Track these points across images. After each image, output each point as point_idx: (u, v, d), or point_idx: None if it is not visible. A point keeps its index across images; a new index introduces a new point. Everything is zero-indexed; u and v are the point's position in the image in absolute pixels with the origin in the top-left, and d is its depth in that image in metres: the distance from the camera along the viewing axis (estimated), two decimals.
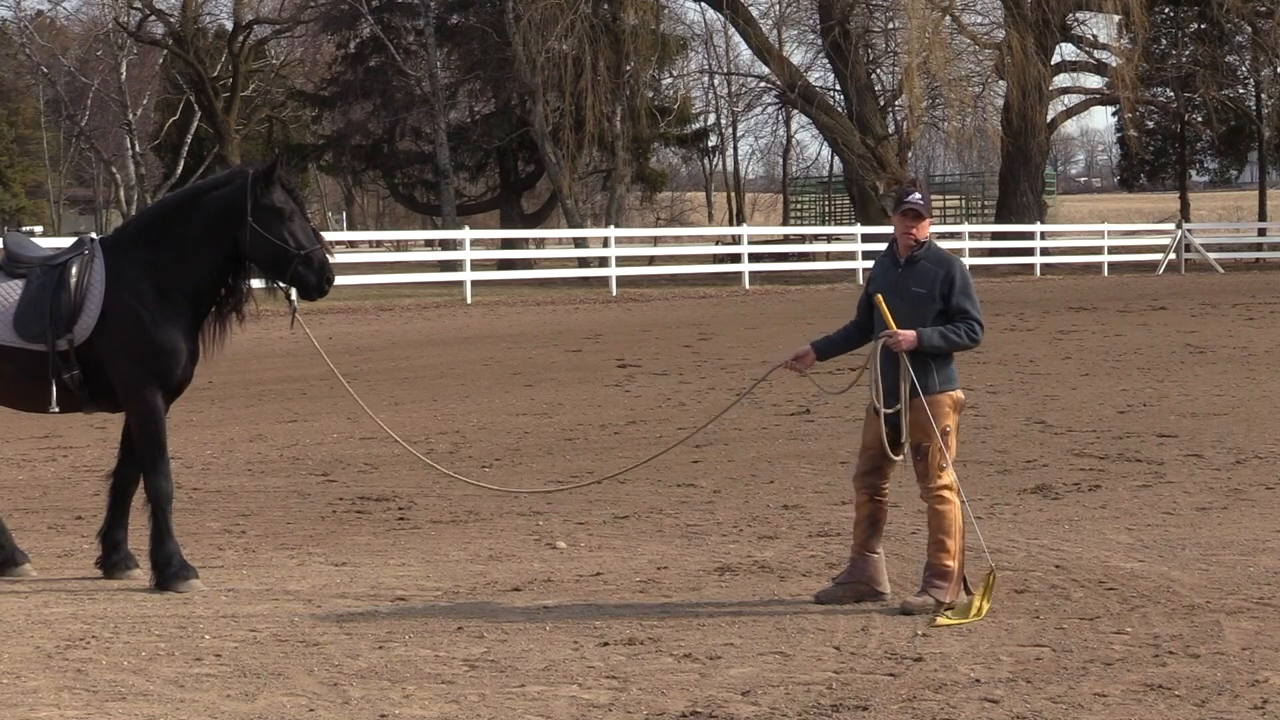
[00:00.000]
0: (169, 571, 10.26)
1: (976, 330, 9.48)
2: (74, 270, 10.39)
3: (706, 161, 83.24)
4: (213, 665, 8.45)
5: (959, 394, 9.60)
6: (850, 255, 52.82)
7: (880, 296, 9.54)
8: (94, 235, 10.96)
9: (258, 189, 10.29)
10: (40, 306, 10.33)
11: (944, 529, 9.40)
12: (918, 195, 9.67)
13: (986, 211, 68.23)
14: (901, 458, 9.50)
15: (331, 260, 10.50)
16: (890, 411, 9.44)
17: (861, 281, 48.63)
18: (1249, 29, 63.56)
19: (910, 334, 9.39)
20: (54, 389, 10.32)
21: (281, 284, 10.45)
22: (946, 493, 9.44)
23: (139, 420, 10.40)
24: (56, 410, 10.45)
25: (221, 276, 10.46)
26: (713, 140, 75.24)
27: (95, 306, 10.31)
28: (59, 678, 8.25)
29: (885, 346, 9.47)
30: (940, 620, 9.05)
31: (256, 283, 10.59)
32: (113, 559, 10.66)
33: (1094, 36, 61.59)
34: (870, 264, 45.19)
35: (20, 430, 16.86)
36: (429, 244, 64.31)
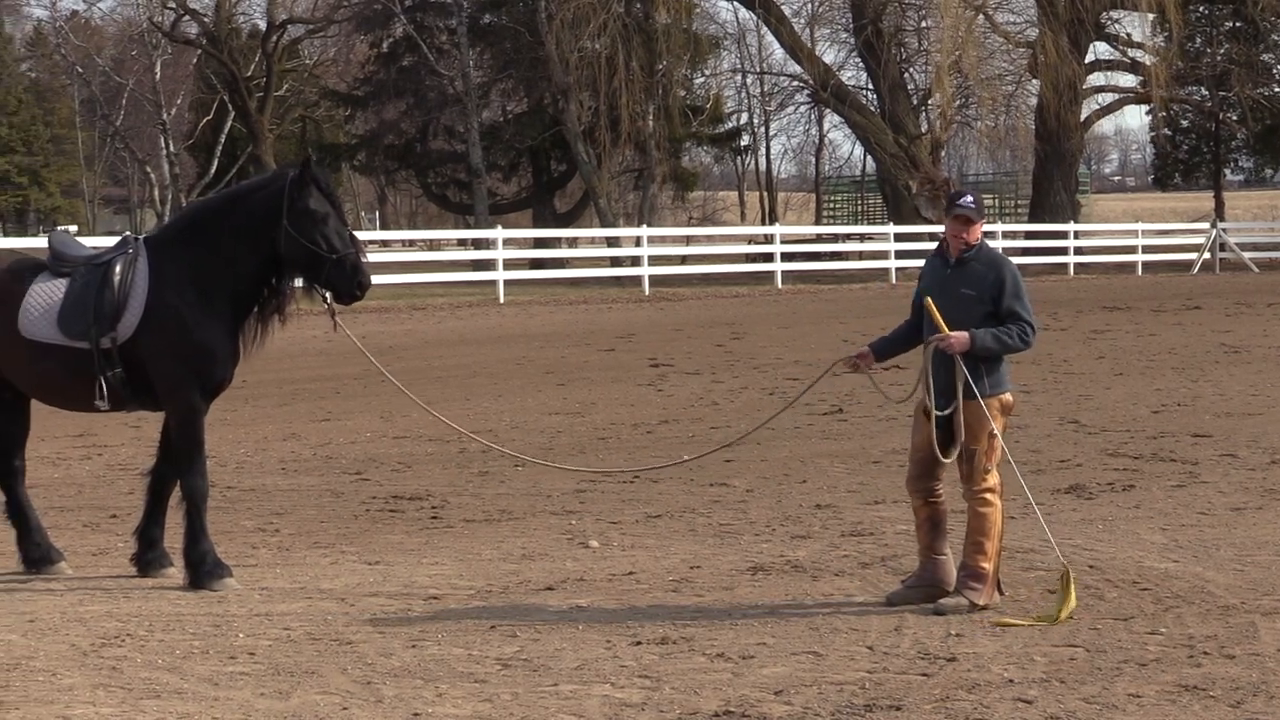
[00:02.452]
0: (203, 570, 10.30)
1: (1028, 332, 9.42)
2: (118, 269, 10.43)
3: (739, 161, 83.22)
4: (247, 663, 8.47)
5: (1008, 396, 9.54)
6: (883, 255, 52.69)
7: (929, 299, 9.47)
8: (137, 234, 11.00)
9: (294, 191, 10.31)
10: (84, 304, 10.38)
11: (983, 531, 9.37)
12: (969, 199, 9.59)
13: (1020, 211, 68.01)
14: (951, 460, 9.44)
15: (366, 262, 10.49)
16: (944, 414, 9.38)
17: (895, 280, 48.71)
18: None
19: (963, 335, 9.32)
20: (102, 386, 10.36)
21: (318, 287, 10.46)
22: (989, 495, 9.40)
23: (178, 419, 10.44)
24: (106, 407, 10.49)
25: (263, 278, 10.48)
26: (745, 139, 75.29)
27: (138, 305, 10.35)
28: (94, 675, 8.28)
29: (938, 349, 9.42)
30: (1008, 620, 9.00)
31: (299, 282, 10.61)
32: (148, 556, 10.70)
33: (1128, 35, 61.39)
34: (902, 263, 44.85)
35: (55, 429, 16.93)
36: (462, 243, 64.35)
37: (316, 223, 10.30)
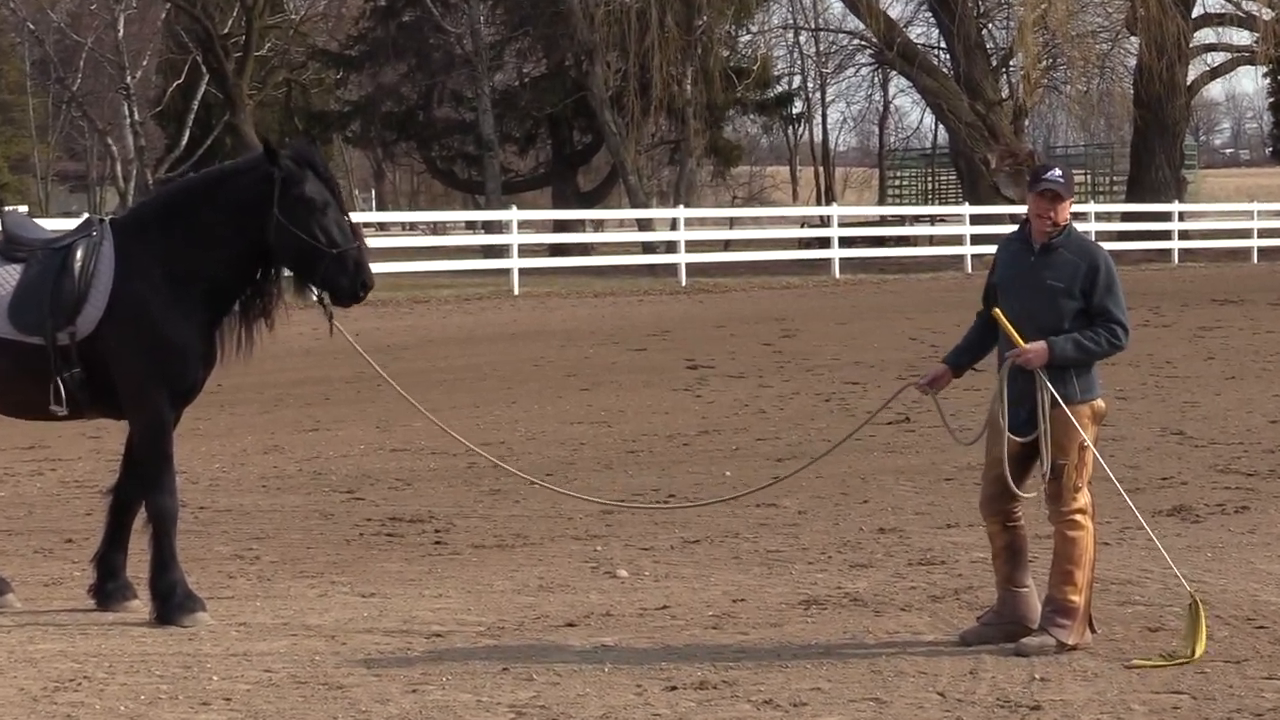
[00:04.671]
0: (172, 603, 10.32)
1: (1119, 335, 9.36)
2: (79, 254, 10.42)
3: (790, 131, 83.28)
4: (221, 710, 8.50)
5: (1100, 403, 9.49)
6: (957, 240, 52.64)
7: (998, 311, 9.42)
8: (104, 216, 10.97)
9: (287, 174, 10.27)
10: (40, 294, 10.37)
11: (1072, 559, 9.32)
12: (1058, 172, 9.49)
13: (1116, 189, 67.91)
14: (1033, 495, 9.38)
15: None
16: (1029, 439, 9.32)
17: (970, 269, 48.63)
18: None
19: (1040, 347, 9.27)
20: (59, 389, 10.34)
21: (313, 286, 10.42)
22: (1080, 517, 9.35)
23: (143, 427, 10.45)
24: (63, 413, 10.49)
25: (246, 273, 10.46)
26: (798, 106, 75.31)
27: (102, 296, 10.33)
28: None
29: (1016, 366, 9.35)
30: (1140, 662, 8.99)
31: (286, 272, 10.58)
32: (108, 587, 10.72)
33: None
34: (979, 250, 44.28)
35: (1, 440, 17.00)
36: (470, 226, 64.51)
37: (314, 212, 10.27)
